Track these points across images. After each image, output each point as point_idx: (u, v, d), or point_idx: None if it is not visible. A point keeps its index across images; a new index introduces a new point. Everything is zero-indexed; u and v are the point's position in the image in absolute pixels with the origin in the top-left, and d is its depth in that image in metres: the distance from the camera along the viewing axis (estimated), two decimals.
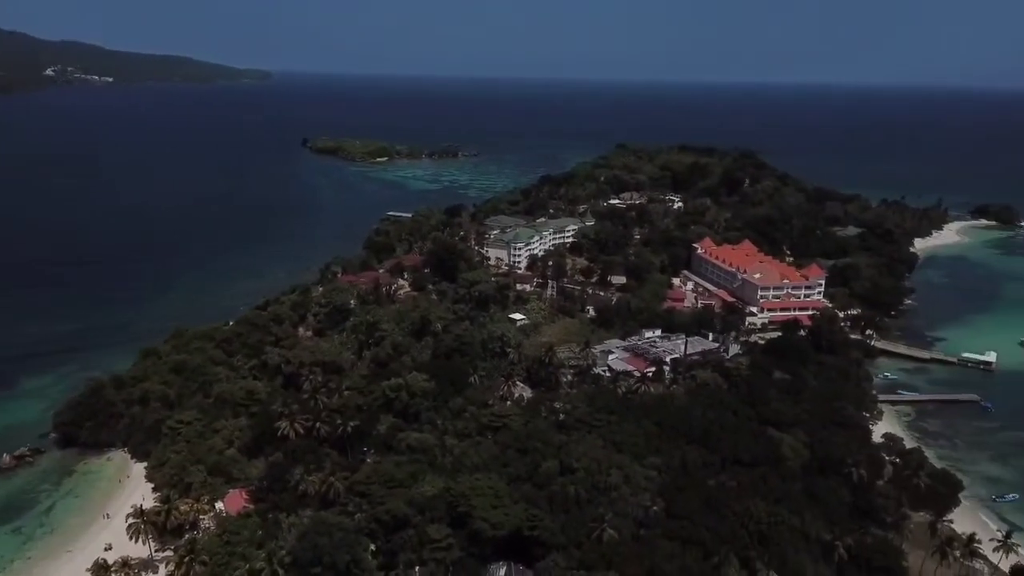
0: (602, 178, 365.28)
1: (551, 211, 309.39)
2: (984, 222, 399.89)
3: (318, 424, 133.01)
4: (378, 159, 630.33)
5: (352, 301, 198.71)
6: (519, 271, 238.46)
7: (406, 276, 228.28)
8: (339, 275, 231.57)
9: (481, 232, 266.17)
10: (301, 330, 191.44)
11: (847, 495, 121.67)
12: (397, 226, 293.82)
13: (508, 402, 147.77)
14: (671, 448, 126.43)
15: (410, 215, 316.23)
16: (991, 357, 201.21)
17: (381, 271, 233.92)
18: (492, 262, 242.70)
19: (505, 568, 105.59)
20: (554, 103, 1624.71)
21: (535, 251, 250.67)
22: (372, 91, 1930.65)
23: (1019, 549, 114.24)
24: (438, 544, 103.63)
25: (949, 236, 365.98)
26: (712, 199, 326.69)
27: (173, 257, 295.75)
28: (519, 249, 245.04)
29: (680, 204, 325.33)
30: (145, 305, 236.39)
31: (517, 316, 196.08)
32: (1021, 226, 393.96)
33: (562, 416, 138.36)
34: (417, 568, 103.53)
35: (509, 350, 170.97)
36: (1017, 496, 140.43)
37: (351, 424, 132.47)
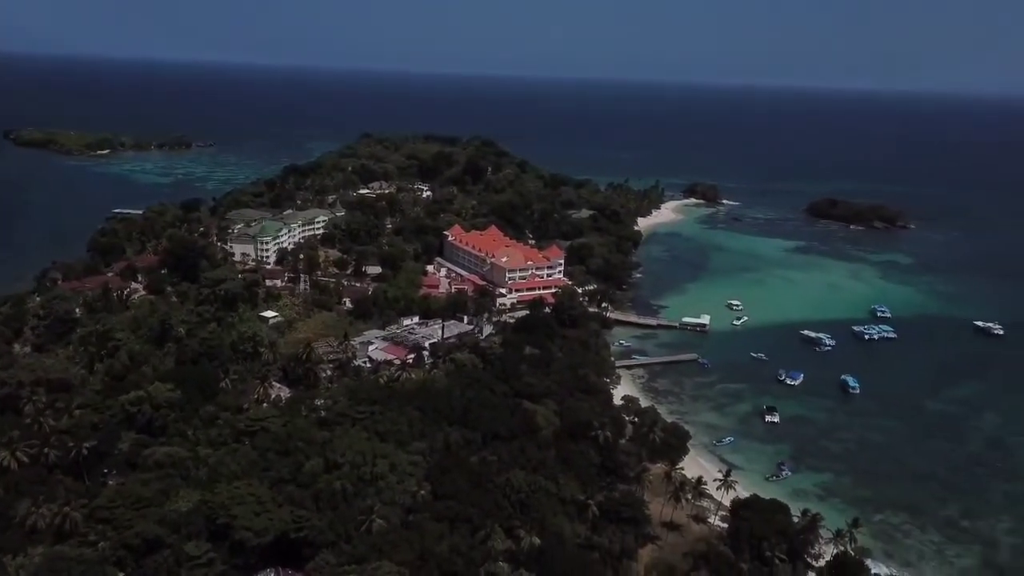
0: (349, 168, 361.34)
1: (298, 203, 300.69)
2: (694, 200, 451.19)
3: (46, 449, 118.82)
4: (99, 152, 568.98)
5: (78, 310, 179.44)
6: (268, 266, 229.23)
7: (140, 279, 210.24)
8: (59, 282, 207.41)
9: (223, 227, 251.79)
10: (17, 346, 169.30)
11: (595, 456, 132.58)
12: (126, 224, 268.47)
13: (265, 404, 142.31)
14: (434, 431, 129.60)
15: (141, 212, 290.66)
16: (705, 320, 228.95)
17: (110, 275, 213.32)
18: (238, 258, 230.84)
19: (273, 574, 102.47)
20: (301, 92, 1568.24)
21: (284, 245, 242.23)
22: (89, 76, 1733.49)
23: (736, 485, 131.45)
24: (197, 561, 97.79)
25: (666, 215, 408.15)
26: (458, 187, 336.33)
27: None
28: (267, 243, 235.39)
29: (428, 193, 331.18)
30: None
31: (269, 314, 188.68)
32: (723, 203, 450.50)
33: (323, 412, 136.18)
34: None
35: (262, 350, 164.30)
36: (732, 439, 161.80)
37: (86, 445, 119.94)
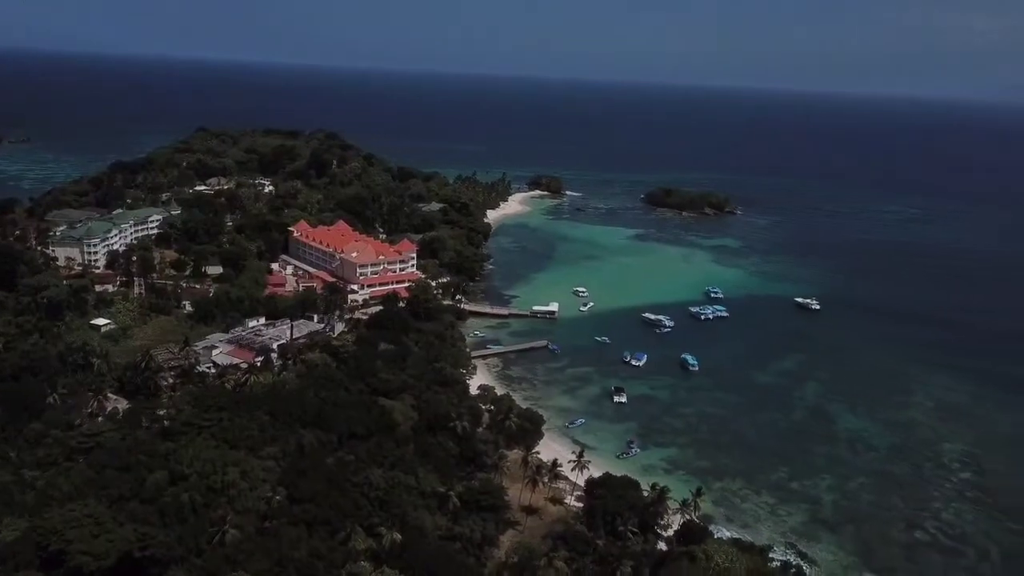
0: (184, 163, 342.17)
1: (129, 201, 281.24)
2: (539, 192, 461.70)
3: None
4: None
5: None
6: (97, 270, 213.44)
7: None
8: None
9: (44, 229, 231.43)
10: None
11: (454, 447, 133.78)
12: None
13: (100, 418, 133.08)
14: (287, 435, 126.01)
15: None
16: (554, 307, 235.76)
17: None
18: (62, 263, 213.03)
19: None
20: (124, 82, 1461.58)
21: (115, 246, 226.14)
22: None
23: (589, 465, 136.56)
24: None
25: (513, 206, 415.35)
26: (302, 181, 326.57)
27: None
28: (94, 245, 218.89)
29: (271, 188, 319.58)
30: None
31: (101, 321, 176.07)
32: (566, 194, 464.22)
33: (166, 423, 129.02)
34: None
35: (94, 360, 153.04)
36: (584, 421, 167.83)
37: None
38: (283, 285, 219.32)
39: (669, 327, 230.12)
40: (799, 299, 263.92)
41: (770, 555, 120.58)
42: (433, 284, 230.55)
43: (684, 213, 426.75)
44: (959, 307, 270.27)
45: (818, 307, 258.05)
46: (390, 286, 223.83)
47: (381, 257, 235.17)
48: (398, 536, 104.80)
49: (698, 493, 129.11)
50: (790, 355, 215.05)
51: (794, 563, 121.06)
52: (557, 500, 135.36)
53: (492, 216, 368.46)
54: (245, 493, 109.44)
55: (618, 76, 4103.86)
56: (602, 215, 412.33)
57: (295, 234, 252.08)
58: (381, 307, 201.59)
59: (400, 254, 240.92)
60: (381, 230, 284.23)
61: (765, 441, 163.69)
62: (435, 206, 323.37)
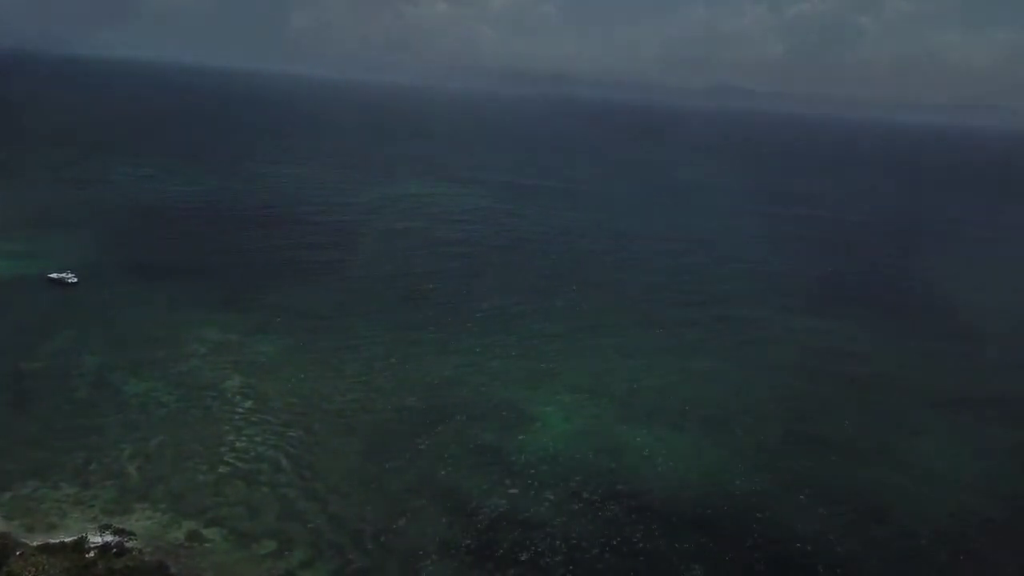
0: None
1: None
2: None
3: None
4: None
5: None
6: None
7: None
8: None
9: None
10: None
11: None
12: None
13: None
14: None
15: None
16: None
17: None
18: None
19: None
20: None
21: None
22: None
23: None
24: None
25: None
26: None
27: None
28: None
29: None
30: None
31: None
32: None
33: None
34: None
35: None
36: None
37: None
38: None
39: None
40: (53, 274, 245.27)
41: (86, 545, 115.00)
42: None
43: None
44: (218, 253, 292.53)
45: (75, 280, 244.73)
46: None
47: None
48: None
49: None
50: (57, 335, 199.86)
51: (114, 542, 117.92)
52: None
53: None
54: None
55: None
56: None
57: None
58: None
59: None
60: None
61: (48, 431, 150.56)
62: None
